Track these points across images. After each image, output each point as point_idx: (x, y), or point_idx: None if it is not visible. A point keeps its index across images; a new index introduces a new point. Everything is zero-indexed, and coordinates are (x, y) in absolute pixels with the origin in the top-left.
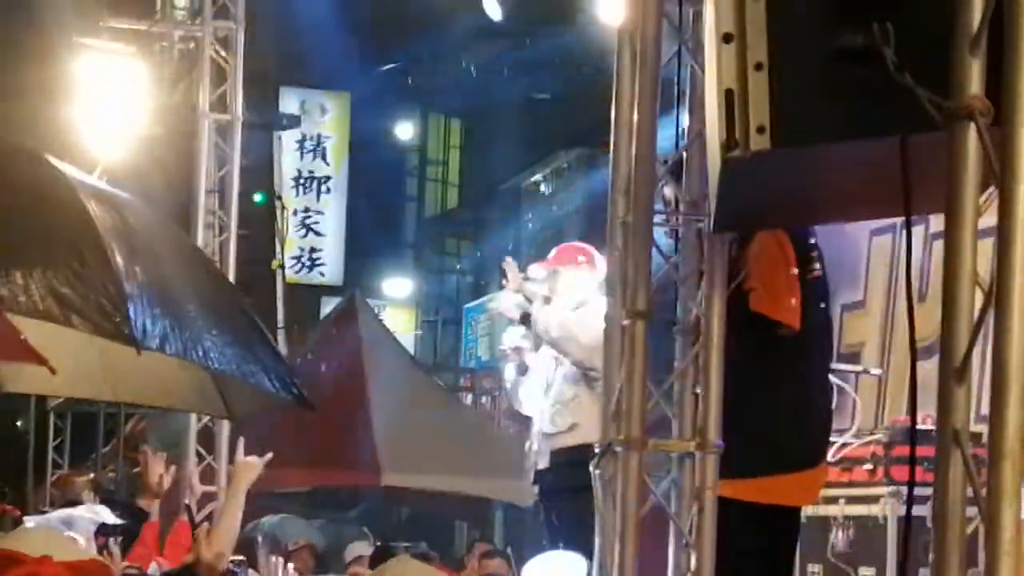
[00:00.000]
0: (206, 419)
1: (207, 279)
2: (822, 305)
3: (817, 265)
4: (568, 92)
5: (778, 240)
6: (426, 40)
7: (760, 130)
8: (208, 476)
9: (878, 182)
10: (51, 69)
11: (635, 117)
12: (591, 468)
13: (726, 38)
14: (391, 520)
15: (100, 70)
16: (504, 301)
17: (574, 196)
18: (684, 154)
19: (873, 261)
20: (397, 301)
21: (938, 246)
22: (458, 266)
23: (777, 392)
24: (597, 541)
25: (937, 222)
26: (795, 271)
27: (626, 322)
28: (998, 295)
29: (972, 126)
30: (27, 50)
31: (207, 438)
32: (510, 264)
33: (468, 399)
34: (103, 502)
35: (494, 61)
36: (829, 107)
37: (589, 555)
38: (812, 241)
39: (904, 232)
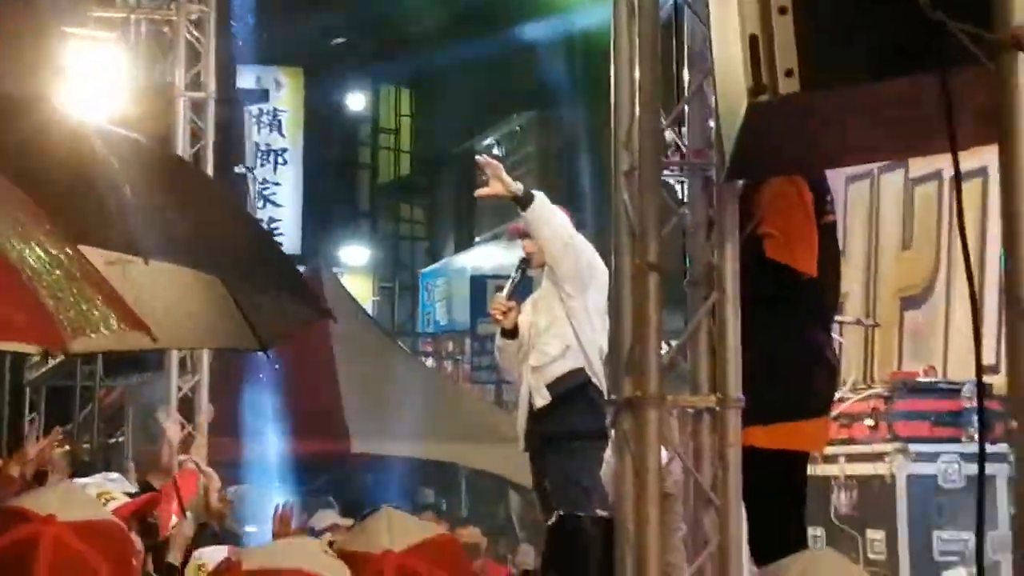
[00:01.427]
0: (186, 388)
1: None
2: (836, 250)
3: (830, 207)
4: (518, 55)
5: (794, 183)
6: (374, 11)
7: (788, 73)
8: (187, 445)
9: (903, 122)
10: (45, 58)
11: (636, 70)
12: (607, 425)
13: None
14: (356, 488)
15: (86, 57)
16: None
17: (528, 158)
18: (686, 107)
19: (851, 209)
20: (354, 268)
21: (919, 191)
22: (413, 232)
23: (793, 336)
24: (616, 502)
25: (916, 167)
26: (813, 215)
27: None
28: None
29: (1021, 56)
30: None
31: (187, 407)
32: (487, 160)
33: (430, 363)
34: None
35: (442, 28)
36: (857, 47)
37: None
38: (825, 183)
39: (878, 179)
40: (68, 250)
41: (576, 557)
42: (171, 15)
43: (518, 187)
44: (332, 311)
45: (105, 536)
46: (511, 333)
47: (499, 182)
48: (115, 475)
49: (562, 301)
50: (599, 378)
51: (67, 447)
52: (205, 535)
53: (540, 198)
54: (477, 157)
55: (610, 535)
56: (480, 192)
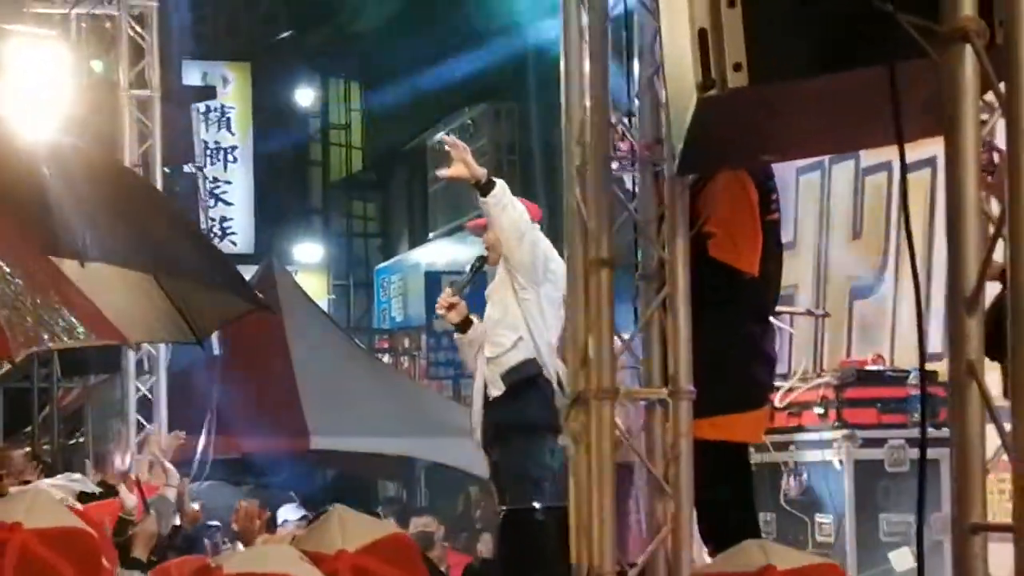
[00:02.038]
0: (144, 389)
1: (149, 204)
2: (777, 247)
3: (775, 206)
4: (468, 48)
5: (741, 182)
6: (321, 4)
7: (737, 67)
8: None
9: (851, 115)
10: None
11: (586, 65)
12: (562, 421)
13: None
14: (316, 483)
15: (25, 54)
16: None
17: (480, 152)
18: (636, 101)
19: (802, 200)
20: (308, 266)
21: (870, 181)
22: (366, 228)
23: (734, 333)
24: (572, 492)
25: (867, 158)
26: (758, 215)
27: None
28: (1011, 220)
29: (968, 49)
30: None
31: (145, 408)
32: (454, 141)
33: (386, 359)
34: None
35: (391, 20)
36: (805, 40)
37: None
38: (771, 181)
39: (829, 170)
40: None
41: (528, 546)
42: (112, 10)
43: (482, 172)
44: (270, 304)
45: (73, 543)
46: (461, 327)
47: (463, 164)
48: (77, 476)
49: (515, 292)
50: (549, 370)
51: (27, 448)
52: (178, 537)
53: (500, 185)
54: (444, 136)
55: (563, 525)
56: (442, 172)
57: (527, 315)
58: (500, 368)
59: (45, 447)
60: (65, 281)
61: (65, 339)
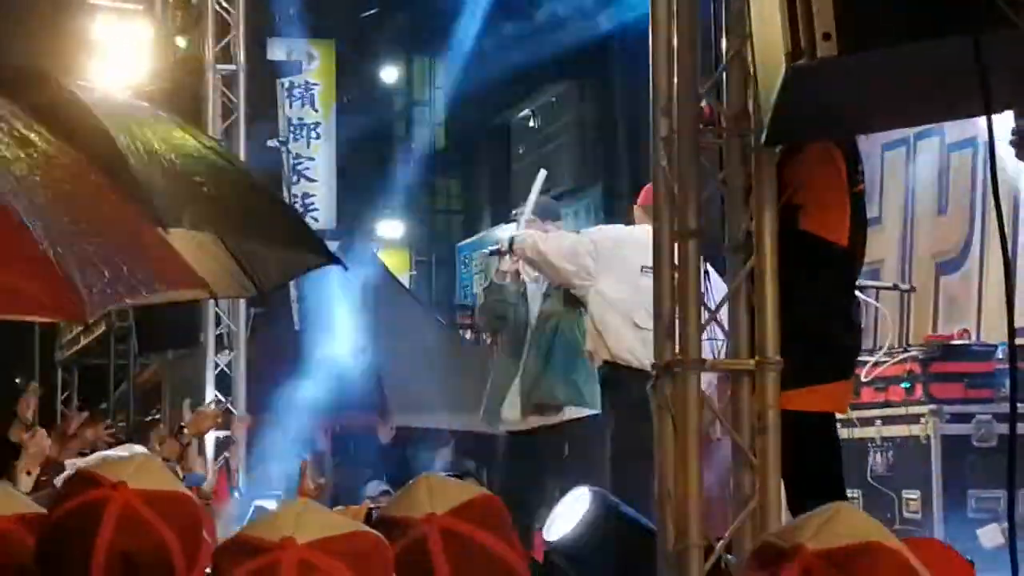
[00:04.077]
0: (223, 364)
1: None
2: (863, 218)
3: (861, 177)
4: (551, 25)
5: (830, 153)
6: None
7: (826, 36)
8: (226, 421)
9: (938, 86)
10: (65, 30)
11: (674, 34)
12: (648, 390)
13: None
14: (396, 460)
15: (110, 29)
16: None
17: (564, 129)
18: (724, 73)
19: (887, 176)
20: (390, 243)
21: (955, 157)
22: (449, 205)
23: (823, 303)
24: (657, 463)
25: (952, 133)
26: (847, 186)
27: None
28: None
29: None
30: (42, 11)
31: (224, 383)
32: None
33: (468, 336)
34: None
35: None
36: (894, 10)
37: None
38: (857, 152)
39: (914, 145)
40: (111, 224)
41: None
42: None
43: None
44: (342, 260)
45: (174, 506)
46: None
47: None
48: (139, 448)
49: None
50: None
51: (107, 422)
52: None
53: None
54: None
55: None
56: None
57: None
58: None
59: (121, 424)
60: (147, 235)
61: (144, 292)
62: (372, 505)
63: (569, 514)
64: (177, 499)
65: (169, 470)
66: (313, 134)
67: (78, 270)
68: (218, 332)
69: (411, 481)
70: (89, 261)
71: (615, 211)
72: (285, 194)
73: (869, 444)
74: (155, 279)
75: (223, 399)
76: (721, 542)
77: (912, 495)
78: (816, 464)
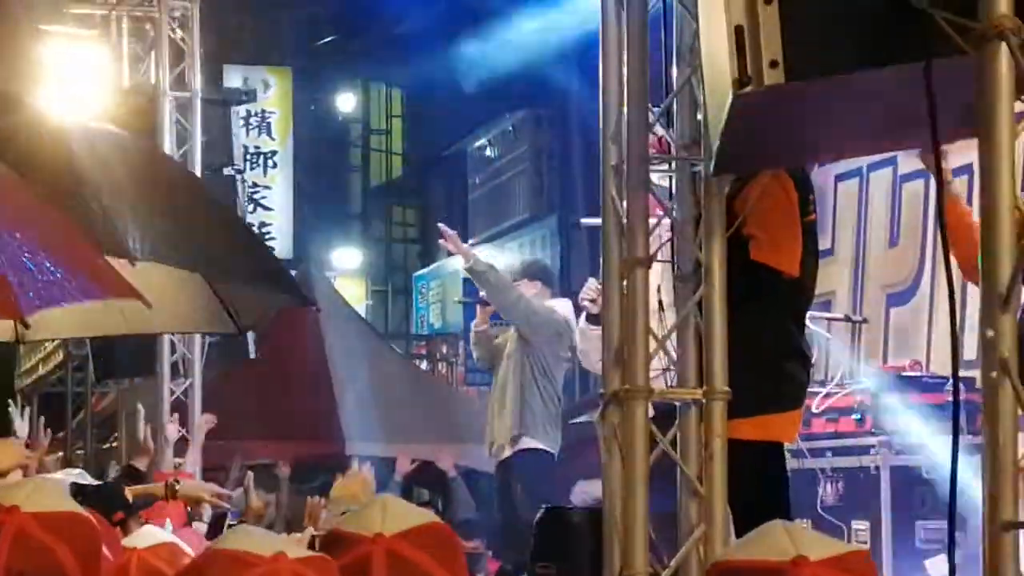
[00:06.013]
0: (179, 392)
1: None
2: (814, 248)
3: (813, 207)
4: (509, 54)
5: (782, 183)
6: (361, 10)
7: (773, 64)
8: (180, 449)
9: (888, 114)
10: (20, 57)
11: (624, 63)
12: (595, 419)
13: None
14: None
15: (64, 55)
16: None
17: (521, 158)
18: (674, 102)
19: (840, 207)
20: (346, 272)
21: (908, 187)
22: (406, 234)
23: (772, 333)
24: (604, 492)
25: (905, 165)
26: (798, 216)
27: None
28: None
29: (1003, 46)
30: None
31: (180, 411)
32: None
33: (424, 366)
34: None
35: (432, 26)
36: (842, 37)
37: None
38: (809, 182)
39: (867, 177)
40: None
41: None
42: (153, 12)
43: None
44: (315, 300)
45: (71, 526)
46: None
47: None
48: (76, 470)
49: None
50: None
51: (60, 453)
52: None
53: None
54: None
55: (596, 526)
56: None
57: None
58: None
59: (79, 452)
60: (83, 248)
61: (81, 297)
62: (315, 532)
63: None
64: (74, 520)
65: (61, 490)
66: (270, 162)
67: (12, 270)
68: (173, 359)
69: (372, 500)
70: (24, 266)
71: (571, 241)
72: None
73: (819, 474)
74: (90, 285)
75: (180, 428)
76: (667, 570)
77: (861, 525)
78: (763, 493)
